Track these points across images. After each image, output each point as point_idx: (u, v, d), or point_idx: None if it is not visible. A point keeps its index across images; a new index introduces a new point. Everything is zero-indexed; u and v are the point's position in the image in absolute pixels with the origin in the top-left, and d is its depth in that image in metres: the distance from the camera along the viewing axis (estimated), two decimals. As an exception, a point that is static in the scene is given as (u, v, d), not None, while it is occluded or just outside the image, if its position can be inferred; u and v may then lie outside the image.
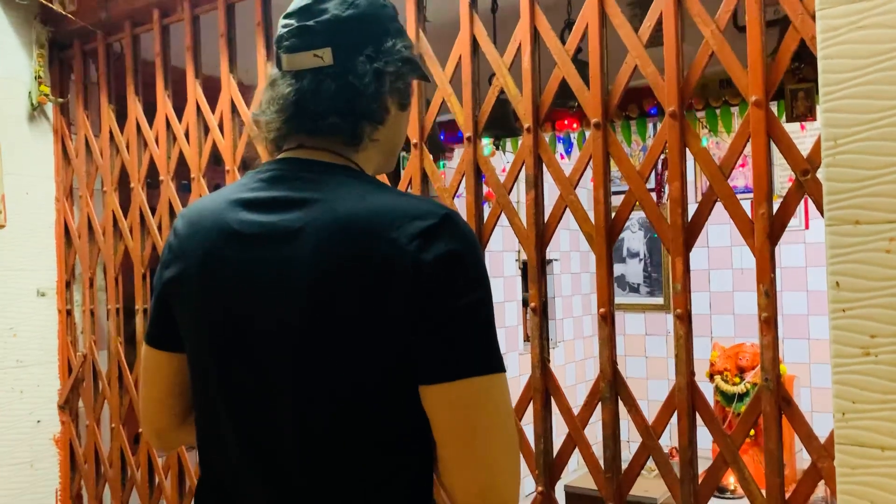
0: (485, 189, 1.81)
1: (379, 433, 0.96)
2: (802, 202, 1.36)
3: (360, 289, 0.91)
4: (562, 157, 3.44)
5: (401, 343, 0.92)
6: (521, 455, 1.66)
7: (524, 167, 1.67)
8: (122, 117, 2.40)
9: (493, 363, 0.93)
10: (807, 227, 4.47)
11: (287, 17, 1.04)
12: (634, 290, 5.34)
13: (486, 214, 1.75)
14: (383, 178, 1.85)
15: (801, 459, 3.98)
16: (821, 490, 3.37)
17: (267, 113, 1.04)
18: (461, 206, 1.74)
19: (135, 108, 2.34)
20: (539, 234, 1.64)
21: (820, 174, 1.19)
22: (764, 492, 1.37)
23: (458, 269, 0.92)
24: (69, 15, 2.36)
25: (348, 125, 1.01)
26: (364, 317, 0.91)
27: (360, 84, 1.00)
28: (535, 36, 1.65)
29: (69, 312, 2.53)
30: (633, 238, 5.34)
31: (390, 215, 0.92)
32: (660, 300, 5.27)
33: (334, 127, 1.00)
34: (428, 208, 0.94)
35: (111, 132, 2.41)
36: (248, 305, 0.98)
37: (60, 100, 2.54)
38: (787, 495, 1.36)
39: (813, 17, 1.26)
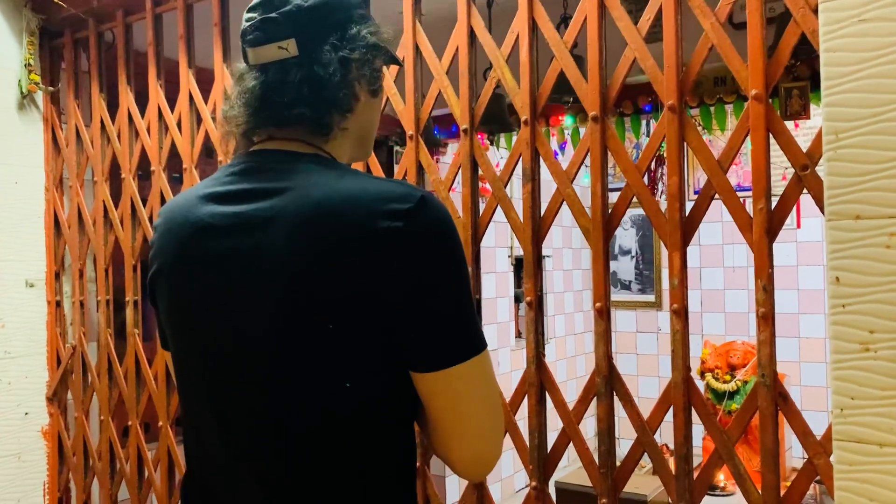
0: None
1: (362, 418, 0.96)
2: (798, 197, 1.36)
3: (337, 273, 0.91)
4: (555, 154, 3.43)
5: (381, 327, 0.92)
6: (515, 450, 1.66)
7: (521, 160, 1.65)
8: (113, 107, 2.37)
9: (478, 345, 0.96)
10: (798, 225, 4.49)
11: (250, 10, 1.04)
12: (626, 287, 5.35)
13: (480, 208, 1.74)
14: (377, 172, 1.85)
15: (791, 457, 4.00)
16: (810, 488, 3.39)
17: (235, 107, 1.04)
18: (456, 199, 1.73)
19: (126, 97, 2.31)
20: (535, 228, 1.63)
21: (820, 168, 1.18)
22: (759, 488, 1.37)
23: (436, 251, 0.93)
24: (60, 2, 2.33)
25: (316, 115, 1.01)
26: (342, 301, 0.91)
27: (326, 73, 0.99)
28: (534, 28, 1.63)
29: (58, 303, 2.51)
30: (626, 235, 5.34)
31: (365, 198, 0.92)
32: (651, 297, 5.28)
33: (301, 117, 1.00)
34: (404, 191, 0.93)
35: (102, 122, 2.39)
36: (224, 296, 0.98)
37: (51, 88, 2.51)
38: (782, 492, 1.36)
39: (814, 11, 1.25)
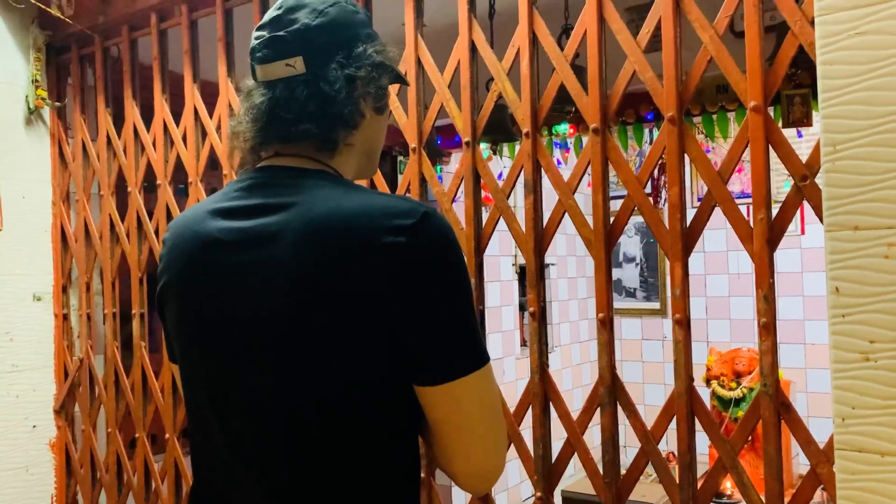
0: (482, 194, 1.81)
1: (365, 428, 0.97)
2: (798, 207, 1.36)
3: (340, 287, 0.92)
4: (558, 163, 3.44)
5: (384, 336, 0.93)
6: (520, 460, 1.67)
7: (523, 172, 1.67)
8: (119, 121, 2.39)
9: (481, 358, 0.97)
10: (803, 232, 4.48)
11: (259, 28, 1.06)
12: (631, 294, 5.35)
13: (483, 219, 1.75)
14: (381, 183, 1.86)
15: (798, 464, 3.99)
16: (817, 496, 3.38)
17: (243, 123, 1.06)
18: (459, 210, 1.74)
19: (132, 112, 2.34)
20: (538, 239, 1.64)
21: (819, 179, 1.19)
22: (763, 497, 1.37)
23: (438, 266, 0.94)
24: (67, 19, 2.36)
25: (321, 131, 1.02)
26: (344, 314, 0.93)
27: (332, 90, 1.01)
28: (534, 41, 1.65)
29: (65, 317, 2.53)
30: (630, 243, 5.34)
31: (369, 214, 0.93)
32: (656, 305, 5.27)
33: (307, 133, 1.02)
34: (407, 206, 0.95)
35: (108, 136, 2.41)
36: (230, 310, 1.00)
37: (57, 104, 2.53)
38: (786, 501, 1.36)
39: (812, 24, 1.26)
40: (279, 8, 1.05)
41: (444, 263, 0.94)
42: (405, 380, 0.97)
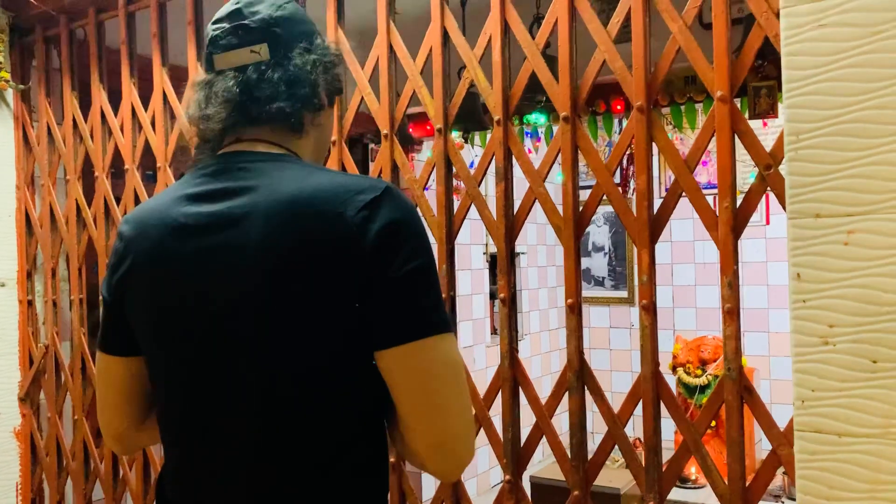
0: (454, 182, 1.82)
1: (337, 407, 0.99)
2: (764, 198, 1.39)
3: (310, 264, 0.94)
4: (529, 152, 3.46)
5: (354, 313, 0.95)
6: (490, 444, 1.69)
7: (494, 159, 1.68)
8: (85, 105, 2.35)
9: (438, 325, 0.97)
10: (767, 222, 4.56)
11: (218, 21, 1.10)
12: (599, 283, 5.40)
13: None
14: (352, 170, 1.86)
15: (760, 450, 4.07)
16: (778, 479, 3.46)
17: (210, 108, 1.07)
18: (431, 197, 1.75)
19: (99, 95, 2.30)
20: (508, 226, 1.66)
21: (783, 168, 1.22)
22: (726, 479, 1.41)
23: (401, 237, 0.96)
24: (31, -1, 2.31)
25: (294, 110, 1.06)
26: (317, 291, 0.95)
27: (301, 72, 1.07)
28: (506, 29, 1.66)
29: (30, 303, 2.49)
30: (599, 232, 5.40)
31: (333, 192, 0.96)
32: (624, 293, 5.34)
33: (281, 112, 1.05)
34: (369, 183, 0.98)
35: (74, 120, 2.37)
36: (200, 295, 1.00)
37: (21, 86, 2.48)
38: (747, 483, 1.40)
39: (777, 16, 1.29)
40: (237, 2, 1.09)
41: (406, 235, 0.97)
42: (368, 349, 0.97)
